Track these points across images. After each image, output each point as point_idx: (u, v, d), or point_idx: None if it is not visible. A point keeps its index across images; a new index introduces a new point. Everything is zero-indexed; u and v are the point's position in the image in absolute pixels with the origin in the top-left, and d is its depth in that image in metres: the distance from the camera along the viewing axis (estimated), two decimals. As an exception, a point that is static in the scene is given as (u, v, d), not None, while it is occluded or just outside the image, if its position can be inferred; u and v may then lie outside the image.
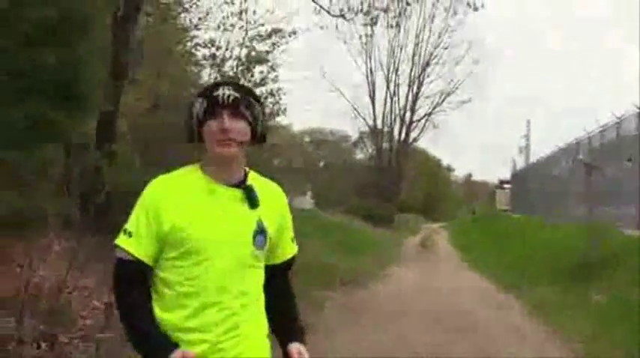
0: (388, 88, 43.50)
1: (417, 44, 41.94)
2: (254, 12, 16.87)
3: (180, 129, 2.55)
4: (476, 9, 18.00)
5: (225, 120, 2.35)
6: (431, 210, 62.60)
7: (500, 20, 76.53)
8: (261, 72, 16.76)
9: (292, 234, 2.65)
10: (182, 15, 15.95)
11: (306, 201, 37.89)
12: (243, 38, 16.68)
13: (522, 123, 56.37)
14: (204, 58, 16.07)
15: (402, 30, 38.86)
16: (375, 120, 44.14)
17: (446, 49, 41.82)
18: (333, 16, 17.47)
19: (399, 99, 44.15)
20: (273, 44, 17.04)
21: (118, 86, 10.19)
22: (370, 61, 46.86)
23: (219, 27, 16.26)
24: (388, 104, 43.76)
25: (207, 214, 2.38)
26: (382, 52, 43.32)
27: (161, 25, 14.26)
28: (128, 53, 10.75)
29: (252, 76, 16.36)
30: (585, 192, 17.70)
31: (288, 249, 2.63)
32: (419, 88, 43.49)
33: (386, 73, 43.19)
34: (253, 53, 16.52)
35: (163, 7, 14.75)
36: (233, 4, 16.31)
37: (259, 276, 2.48)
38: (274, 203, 2.54)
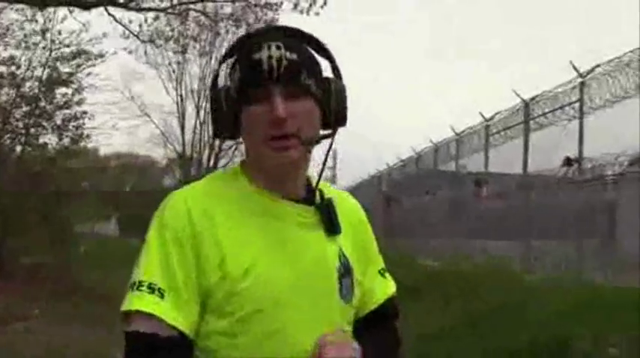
0: (198, 115, 43.30)
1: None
2: (59, 32, 16.31)
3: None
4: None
5: (278, 104, 1.43)
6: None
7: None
8: (65, 94, 16.19)
9: (382, 262, 1.73)
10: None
11: (110, 228, 36.73)
12: (47, 58, 16.04)
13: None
14: (2, 76, 15.28)
15: (213, 58, 38.85)
16: (184, 146, 43.75)
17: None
18: (143, 41, 17.23)
19: (208, 127, 44.01)
20: (78, 66, 16.54)
21: None
22: (181, 88, 46.37)
23: (20, 44, 15.56)
24: (198, 131, 43.53)
25: (273, 253, 1.46)
26: (193, 78, 42.75)
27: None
28: None
29: (54, 97, 15.76)
30: (383, 224, 18.44)
31: (381, 289, 1.69)
32: (229, 116, 43.65)
33: (196, 100, 42.99)
34: (55, 74, 15.95)
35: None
36: (36, 22, 15.68)
37: None
38: (353, 224, 1.65)
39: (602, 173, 11.35)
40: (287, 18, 16.92)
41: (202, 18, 16.75)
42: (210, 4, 16.60)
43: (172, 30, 17.07)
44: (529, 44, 73.36)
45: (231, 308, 1.41)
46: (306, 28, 1.55)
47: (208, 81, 40.86)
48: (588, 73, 11.54)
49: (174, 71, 41.42)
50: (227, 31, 18.62)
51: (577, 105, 11.88)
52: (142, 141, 58.05)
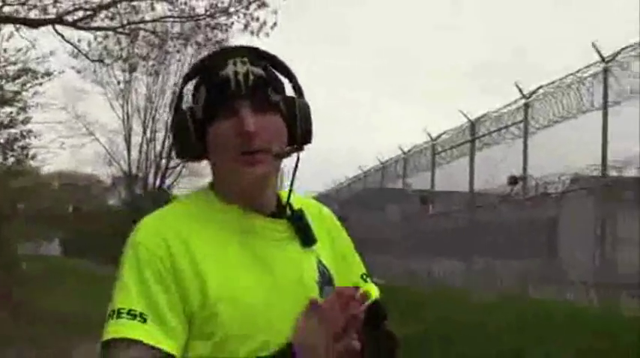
0: (145, 133, 42.96)
1: (174, 91, 41.88)
2: (4, 50, 16.06)
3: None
4: (235, 63, 18.44)
5: (247, 118, 1.41)
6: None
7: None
8: (10, 113, 15.93)
9: (363, 268, 1.71)
10: None
11: (54, 248, 36.12)
12: (-8, 76, 15.79)
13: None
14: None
15: (160, 76, 38.60)
16: (130, 165, 43.30)
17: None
18: (92, 60, 17.08)
19: (155, 145, 43.67)
20: (23, 84, 16.29)
21: None
22: (127, 106, 45.94)
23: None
24: (144, 150, 43.16)
25: (252, 273, 1.44)
26: (140, 97, 42.38)
27: None
28: None
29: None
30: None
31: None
32: (176, 135, 43.40)
33: (143, 119, 42.67)
34: (0, 92, 15.69)
35: None
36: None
37: None
38: (330, 232, 1.64)
39: (546, 191, 11.58)
40: (237, 39, 16.96)
41: (152, 37, 16.66)
42: (159, 24, 16.56)
43: (121, 49, 16.96)
44: (475, 66, 74.64)
45: (212, 330, 1.39)
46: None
47: (155, 99, 40.59)
48: (532, 94, 11.81)
49: (121, 89, 41.10)
50: (177, 51, 18.54)
51: (521, 125, 12.12)
52: (87, 160, 57.04)
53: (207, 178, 1.56)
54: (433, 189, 16.24)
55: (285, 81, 1.54)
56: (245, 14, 15.15)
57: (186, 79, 1.52)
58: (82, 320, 12.70)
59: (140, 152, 43.21)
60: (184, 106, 1.50)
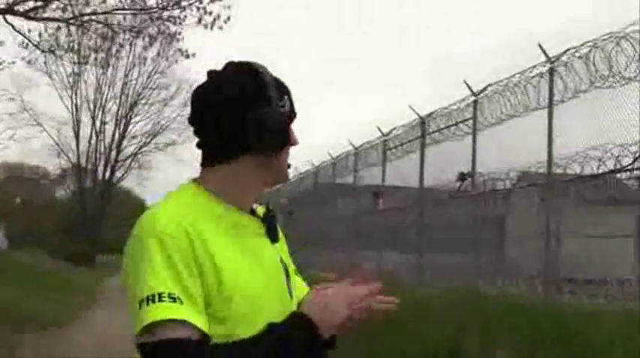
0: (94, 125, 42.41)
1: (125, 83, 41.44)
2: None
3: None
4: (187, 56, 18.33)
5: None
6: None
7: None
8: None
9: (294, 266, 1.98)
10: None
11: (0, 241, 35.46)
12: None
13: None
14: None
15: (110, 68, 38.13)
16: (79, 158, 42.68)
17: (155, 89, 41.80)
18: (43, 51, 16.81)
19: (104, 137, 43.14)
20: (-30, 75, 16.00)
21: None
22: (76, 97, 45.32)
23: None
24: (93, 142, 42.58)
25: (249, 262, 1.68)
26: (89, 88, 41.78)
27: None
28: None
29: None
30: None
31: (301, 284, 1.97)
32: (126, 128, 42.91)
33: (92, 110, 42.10)
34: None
35: None
36: None
37: None
38: (282, 233, 1.93)
39: (494, 188, 11.78)
40: (190, 32, 16.84)
41: (103, 29, 16.46)
42: (111, 16, 16.37)
43: (72, 41, 16.73)
44: (426, 62, 75.23)
45: (225, 314, 1.57)
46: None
47: (105, 90, 40.00)
48: (481, 91, 11.99)
49: (70, 80, 40.48)
50: (130, 43, 18.36)
51: (470, 122, 12.30)
52: (34, 152, 55.99)
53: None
54: (384, 184, 16.38)
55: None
56: (198, 8, 15.07)
57: (270, 85, 1.73)
58: (26, 314, 12.54)
59: (89, 144, 42.67)
60: (263, 105, 1.71)
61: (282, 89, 1.76)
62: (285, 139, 1.75)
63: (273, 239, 1.79)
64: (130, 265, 1.58)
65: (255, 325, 1.59)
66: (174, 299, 1.50)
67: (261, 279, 1.66)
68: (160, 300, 1.49)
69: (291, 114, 1.76)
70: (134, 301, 1.52)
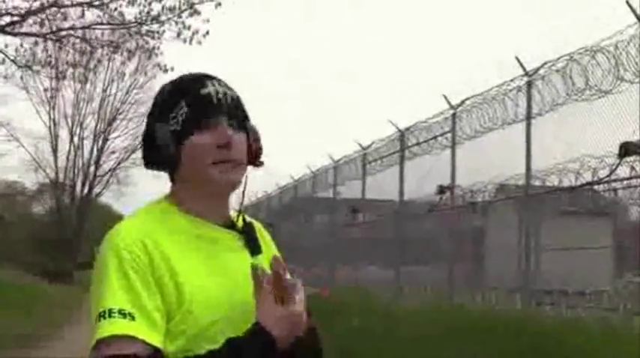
0: (72, 141, 42.14)
1: (103, 99, 41.23)
2: None
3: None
4: (166, 71, 18.27)
5: (227, 131, 1.61)
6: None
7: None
8: None
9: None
10: None
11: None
12: None
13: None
14: None
15: (88, 83, 37.91)
16: (57, 173, 42.36)
17: (133, 104, 41.62)
18: (19, 66, 16.70)
19: (83, 153, 42.86)
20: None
21: None
22: (54, 112, 45.00)
23: None
24: (72, 157, 42.30)
25: (214, 276, 1.62)
26: (68, 103, 41.52)
27: None
28: None
29: None
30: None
31: None
32: (104, 143, 42.71)
33: (70, 125, 41.86)
34: None
35: None
36: None
37: None
38: (268, 245, 1.84)
39: (473, 200, 11.84)
40: (169, 46, 16.80)
41: (81, 44, 16.38)
42: (89, 31, 16.30)
43: (50, 56, 16.64)
44: (405, 76, 75.62)
45: (185, 327, 1.54)
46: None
47: (83, 106, 39.84)
48: (459, 105, 12.06)
49: (48, 96, 40.23)
50: (108, 58, 18.26)
51: (449, 135, 12.37)
52: (10, 167, 55.49)
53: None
54: (364, 198, 16.40)
55: None
56: (177, 22, 15.06)
57: (173, 97, 1.66)
58: (2, 331, 12.39)
59: (67, 159, 42.37)
60: (156, 120, 1.66)
61: (180, 102, 1.64)
62: (171, 156, 1.63)
63: (253, 251, 1.72)
64: (93, 280, 1.57)
65: (217, 340, 1.55)
66: (124, 315, 1.48)
67: (227, 293, 1.61)
68: (110, 316, 1.48)
69: (189, 127, 1.61)
70: (93, 317, 1.52)
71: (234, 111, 1.65)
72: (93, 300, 1.54)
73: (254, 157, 1.71)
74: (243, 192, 1.75)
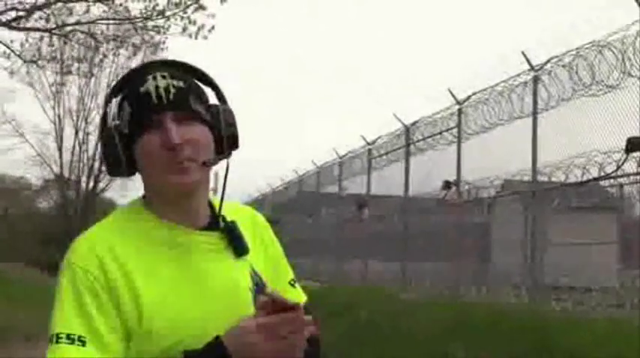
0: (77, 136, 42.19)
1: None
2: None
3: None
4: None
5: (172, 130, 1.44)
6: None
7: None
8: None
9: (292, 273, 1.74)
10: None
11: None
12: None
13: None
14: None
15: (94, 78, 37.93)
16: (62, 168, 42.43)
17: (138, 99, 41.70)
18: (25, 61, 16.72)
19: (88, 148, 42.91)
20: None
21: None
22: (59, 108, 45.03)
23: None
24: (77, 152, 42.35)
25: (184, 287, 1.47)
26: (72, 99, 41.54)
27: None
28: None
29: None
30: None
31: (292, 298, 1.59)
32: (109, 138, 42.81)
33: (75, 121, 41.90)
34: None
35: None
36: None
37: None
38: (264, 240, 1.68)
39: (478, 196, 11.83)
40: (175, 42, 16.80)
41: (87, 39, 16.39)
42: (94, 25, 16.31)
43: (55, 51, 16.65)
44: (410, 71, 75.59)
45: (148, 346, 1.43)
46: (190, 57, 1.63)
47: (88, 101, 39.93)
48: (465, 100, 12.04)
49: (53, 91, 40.28)
50: (115, 54, 18.29)
51: (455, 130, 12.35)
52: (17, 162, 55.57)
53: (139, 181, 1.59)
54: (369, 193, 16.40)
55: (209, 91, 1.58)
56: (182, 17, 15.05)
57: (110, 95, 1.54)
58: (5, 325, 12.41)
59: (72, 154, 42.42)
60: (110, 123, 1.53)
61: (123, 103, 1.51)
62: (121, 161, 1.50)
63: (238, 252, 1.56)
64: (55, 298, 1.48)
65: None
66: (72, 340, 1.38)
67: (200, 308, 1.46)
68: (58, 341, 1.39)
69: (133, 117, 1.48)
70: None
71: (184, 104, 1.47)
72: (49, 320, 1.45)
73: (222, 146, 1.53)
74: (224, 185, 1.59)
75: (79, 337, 1.38)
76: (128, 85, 1.51)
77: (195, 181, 1.48)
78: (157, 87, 1.46)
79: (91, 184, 42.90)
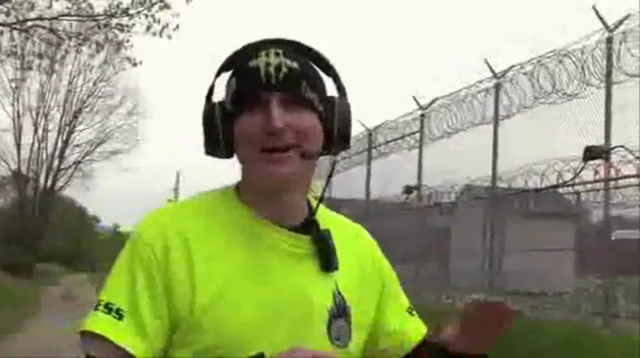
0: (36, 133, 41.59)
1: (69, 90, 40.75)
2: None
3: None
4: (134, 64, 18.06)
5: (276, 112, 1.29)
6: (75, 261, 60.55)
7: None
8: None
9: (407, 302, 1.57)
10: None
11: None
12: None
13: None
14: None
15: (54, 75, 37.45)
16: (19, 165, 41.78)
17: (100, 97, 41.24)
18: (-16, 57, 16.49)
19: (47, 145, 42.34)
20: None
21: None
22: (18, 104, 44.37)
23: None
24: (35, 150, 41.74)
25: (247, 282, 1.32)
26: (32, 95, 40.96)
27: None
28: None
29: None
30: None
31: (414, 329, 1.51)
32: (69, 136, 42.24)
33: (35, 117, 41.31)
34: None
35: None
36: None
37: None
38: (359, 258, 1.48)
39: (439, 201, 11.93)
40: (139, 39, 16.67)
41: (49, 35, 16.20)
42: (57, 22, 16.13)
43: (15, 46, 16.44)
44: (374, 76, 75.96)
45: (191, 339, 1.28)
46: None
47: (48, 97, 39.40)
48: (428, 105, 12.15)
49: (13, 87, 39.66)
50: (77, 51, 18.08)
51: (417, 135, 12.45)
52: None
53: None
54: (331, 196, 16.41)
55: (329, 80, 1.42)
56: (147, 15, 14.97)
57: (220, 70, 1.39)
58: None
59: (31, 152, 41.82)
60: (215, 100, 1.39)
61: (231, 77, 1.38)
62: (215, 135, 1.36)
63: (325, 266, 1.37)
64: None
65: None
66: (109, 311, 1.27)
67: (257, 308, 1.30)
68: (97, 308, 1.28)
69: (238, 94, 1.34)
70: None
71: (295, 86, 1.31)
72: None
73: (331, 141, 1.37)
74: (326, 184, 1.44)
75: (118, 309, 1.27)
76: (239, 59, 1.37)
77: (292, 173, 1.32)
78: (267, 64, 1.31)
79: (50, 182, 42.37)
